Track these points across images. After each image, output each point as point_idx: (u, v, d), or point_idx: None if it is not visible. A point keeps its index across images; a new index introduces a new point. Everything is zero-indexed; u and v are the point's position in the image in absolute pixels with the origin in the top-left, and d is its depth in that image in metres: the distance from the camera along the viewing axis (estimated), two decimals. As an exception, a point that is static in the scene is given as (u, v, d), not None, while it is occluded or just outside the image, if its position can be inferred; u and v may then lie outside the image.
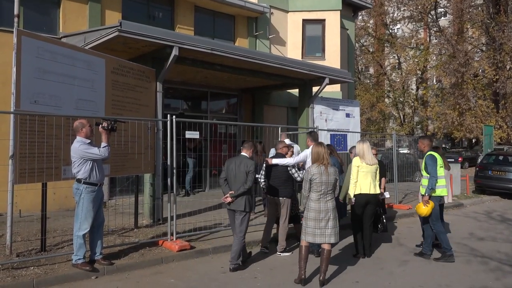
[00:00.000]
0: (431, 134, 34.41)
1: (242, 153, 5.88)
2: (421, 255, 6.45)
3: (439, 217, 6.38)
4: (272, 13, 14.13)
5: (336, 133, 11.36)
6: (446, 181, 7.08)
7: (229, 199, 5.64)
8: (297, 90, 12.08)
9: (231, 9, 13.07)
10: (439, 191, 6.35)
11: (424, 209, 6.22)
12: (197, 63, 9.05)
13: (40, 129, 5.51)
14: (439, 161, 6.37)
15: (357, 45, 34.71)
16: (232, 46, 10.77)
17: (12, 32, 5.82)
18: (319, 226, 5.09)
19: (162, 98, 8.20)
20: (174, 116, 6.66)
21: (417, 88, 35.29)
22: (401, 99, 34.64)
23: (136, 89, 7.45)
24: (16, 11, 6.18)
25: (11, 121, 5.34)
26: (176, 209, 6.64)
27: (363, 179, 6.33)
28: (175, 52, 7.74)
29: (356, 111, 12.51)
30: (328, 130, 11.05)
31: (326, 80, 10.90)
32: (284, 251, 6.50)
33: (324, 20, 14.76)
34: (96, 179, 5.30)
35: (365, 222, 6.47)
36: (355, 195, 6.36)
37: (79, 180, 5.22)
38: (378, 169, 6.56)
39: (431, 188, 6.19)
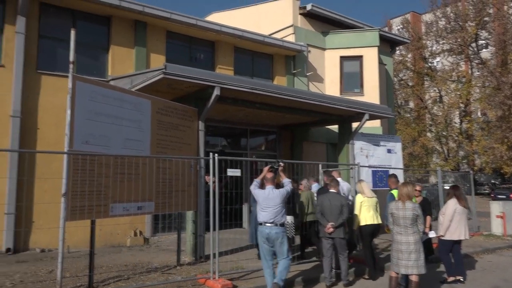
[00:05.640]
0: (479, 169, 32.97)
1: (331, 190, 6.94)
2: None
3: None
4: (309, 51, 14.36)
5: (377, 169, 11.15)
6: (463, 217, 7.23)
7: (331, 229, 6.59)
8: (336, 126, 12.05)
9: (269, 49, 13.44)
10: None
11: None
12: (237, 102, 9.29)
13: (90, 168, 5.77)
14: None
15: (395, 79, 34.43)
16: (271, 85, 10.99)
17: (66, 76, 6.21)
18: (402, 258, 5.56)
19: (204, 136, 8.41)
20: (216, 155, 6.80)
21: (461, 122, 34.25)
22: (444, 133, 33.67)
23: (180, 128, 7.70)
24: (71, 58, 6.59)
25: (64, 161, 5.62)
26: (218, 246, 6.64)
27: (366, 212, 7.23)
28: (216, 92, 7.99)
29: (397, 146, 12.24)
30: (370, 167, 10.86)
31: (366, 116, 10.82)
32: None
33: (361, 56, 14.81)
34: None
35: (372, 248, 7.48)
36: (362, 226, 7.23)
37: (283, 224, 5.98)
38: (378, 202, 7.41)
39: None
